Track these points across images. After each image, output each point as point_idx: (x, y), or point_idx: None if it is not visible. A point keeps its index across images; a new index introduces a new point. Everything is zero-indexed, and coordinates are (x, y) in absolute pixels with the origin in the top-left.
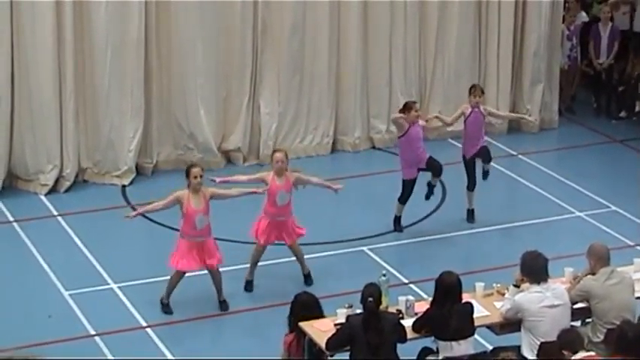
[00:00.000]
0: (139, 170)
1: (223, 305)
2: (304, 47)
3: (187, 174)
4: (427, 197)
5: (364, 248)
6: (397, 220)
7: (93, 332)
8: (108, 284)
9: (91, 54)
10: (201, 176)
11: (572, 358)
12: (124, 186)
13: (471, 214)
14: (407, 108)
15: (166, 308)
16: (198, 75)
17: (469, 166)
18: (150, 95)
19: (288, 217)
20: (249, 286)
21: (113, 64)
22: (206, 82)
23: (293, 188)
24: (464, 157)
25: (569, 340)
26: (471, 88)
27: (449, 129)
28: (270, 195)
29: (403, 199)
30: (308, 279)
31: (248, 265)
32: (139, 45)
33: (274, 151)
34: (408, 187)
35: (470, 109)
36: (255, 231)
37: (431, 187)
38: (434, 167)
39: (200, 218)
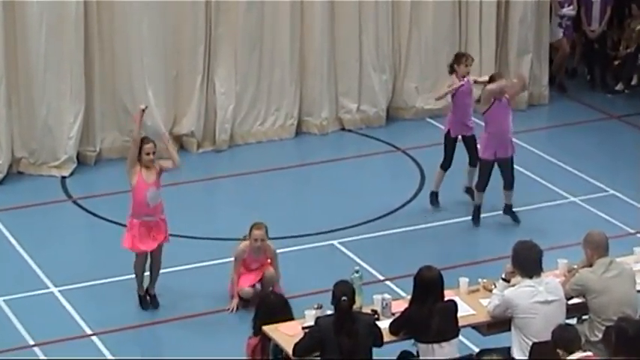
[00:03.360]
0: (80, 160)
1: (154, 301)
2: (263, 19)
3: (139, 149)
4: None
5: (334, 242)
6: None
7: (32, 342)
8: (47, 288)
9: (24, 30)
10: (153, 152)
11: (568, 358)
12: (63, 177)
13: (434, 196)
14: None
15: (145, 303)
16: (144, 52)
17: (450, 145)
18: (91, 76)
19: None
20: None
21: (49, 41)
22: (153, 60)
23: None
24: (447, 134)
25: (565, 338)
26: (461, 57)
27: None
28: (244, 265)
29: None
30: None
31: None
32: (77, 20)
33: (253, 227)
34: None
35: (460, 81)
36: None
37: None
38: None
39: (152, 193)
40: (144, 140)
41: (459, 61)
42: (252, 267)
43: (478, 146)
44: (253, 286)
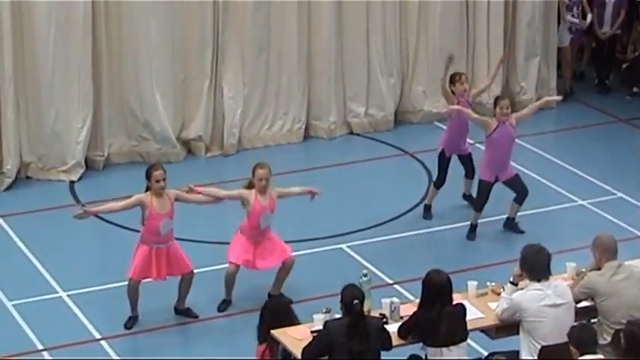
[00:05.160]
0: (88, 164)
1: (190, 312)
2: (270, 22)
3: (148, 176)
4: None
5: (342, 246)
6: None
7: (40, 347)
8: (56, 293)
9: (32, 35)
10: (164, 179)
11: (580, 359)
12: (72, 182)
13: (427, 209)
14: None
15: (131, 322)
16: (152, 56)
17: (444, 162)
18: (99, 80)
19: (267, 236)
20: (223, 305)
21: (57, 45)
22: (161, 64)
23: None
24: (441, 153)
25: (583, 337)
26: (454, 77)
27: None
28: (252, 216)
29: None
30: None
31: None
32: (85, 24)
33: (256, 166)
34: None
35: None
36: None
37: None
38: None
39: (165, 223)
40: (153, 167)
41: (454, 80)
42: (262, 225)
43: (476, 162)
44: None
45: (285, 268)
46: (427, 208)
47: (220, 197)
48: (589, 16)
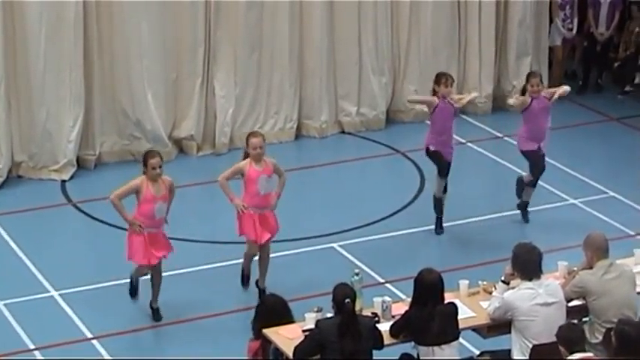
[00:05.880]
0: (80, 163)
1: (157, 315)
2: (262, 22)
3: (145, 163)
4: None
5: (334, 245)
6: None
7: (32, 346)
8: (48, 292)
9: (23, 34)
10: (160, 167)
11: (569, 358)
12: (63, 181)
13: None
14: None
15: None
16: (144, 55)
17: (434, 155)
18: (90, 79)
19: (269, 208)
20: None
21: (48, 45)
22: (153, 63)
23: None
24: (427, 149)
25: (569, 337)
26: (441, 77)
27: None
28: (249, 184)
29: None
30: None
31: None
32: (76, 23)
33: (249, 136)
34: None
35: (437, 101)
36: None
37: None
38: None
39: (160, 206)
40: (149, 154)
41: (439, 81)
42: (261, 191)
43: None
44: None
45: (265, 253)
46: (439, 202)
47: (224, 182)
48: (574, 30)
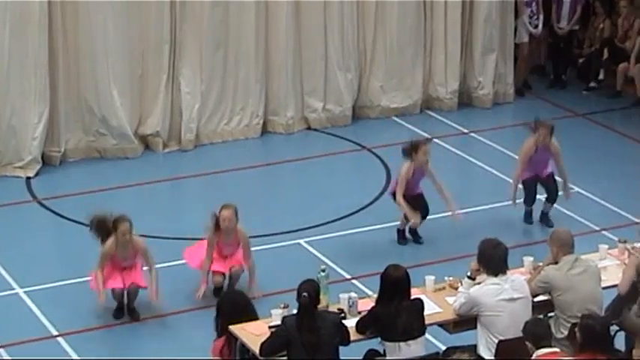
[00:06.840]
0: (45, 160)
1: (135, 314)
2: (228, 18)
3: (115, 228)
4: None
5: (300, 241)
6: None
7: None
8: (12, 289)
9: None
10: (130, 232)
11: (535, 354)
12: (28, 178)
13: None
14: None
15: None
16: (109, 52)
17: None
18: (55, 76)
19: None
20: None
21: (12, 41)
22: (119, 60)
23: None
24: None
25: (535, 332)
26: (420, 144)
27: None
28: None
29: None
30: None
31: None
32: (41, 20)
33: (222, 208)
34: None
35: (412, 170)
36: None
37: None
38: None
39: (126, 264)
40: (119, 220)
41: (417, 148)
42: (225, 252)
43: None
44: (223, 274)
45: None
46: (404, 233)
47: (208, 263)
48: (540, 26)
